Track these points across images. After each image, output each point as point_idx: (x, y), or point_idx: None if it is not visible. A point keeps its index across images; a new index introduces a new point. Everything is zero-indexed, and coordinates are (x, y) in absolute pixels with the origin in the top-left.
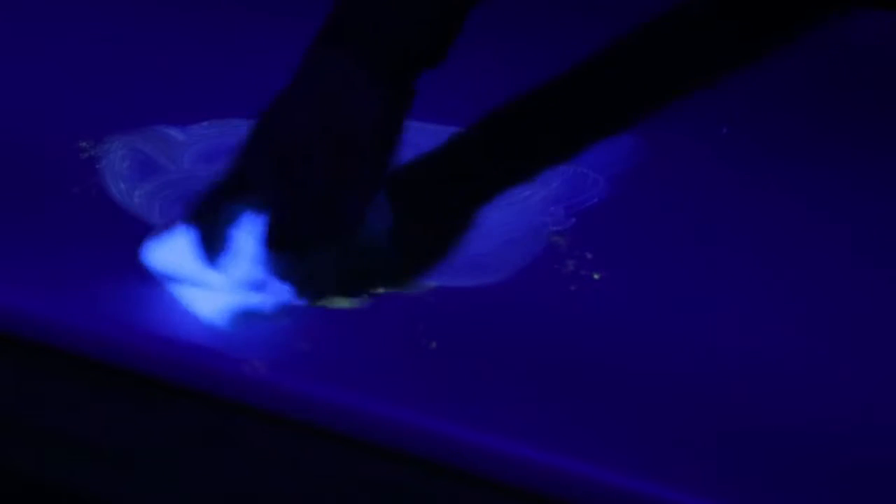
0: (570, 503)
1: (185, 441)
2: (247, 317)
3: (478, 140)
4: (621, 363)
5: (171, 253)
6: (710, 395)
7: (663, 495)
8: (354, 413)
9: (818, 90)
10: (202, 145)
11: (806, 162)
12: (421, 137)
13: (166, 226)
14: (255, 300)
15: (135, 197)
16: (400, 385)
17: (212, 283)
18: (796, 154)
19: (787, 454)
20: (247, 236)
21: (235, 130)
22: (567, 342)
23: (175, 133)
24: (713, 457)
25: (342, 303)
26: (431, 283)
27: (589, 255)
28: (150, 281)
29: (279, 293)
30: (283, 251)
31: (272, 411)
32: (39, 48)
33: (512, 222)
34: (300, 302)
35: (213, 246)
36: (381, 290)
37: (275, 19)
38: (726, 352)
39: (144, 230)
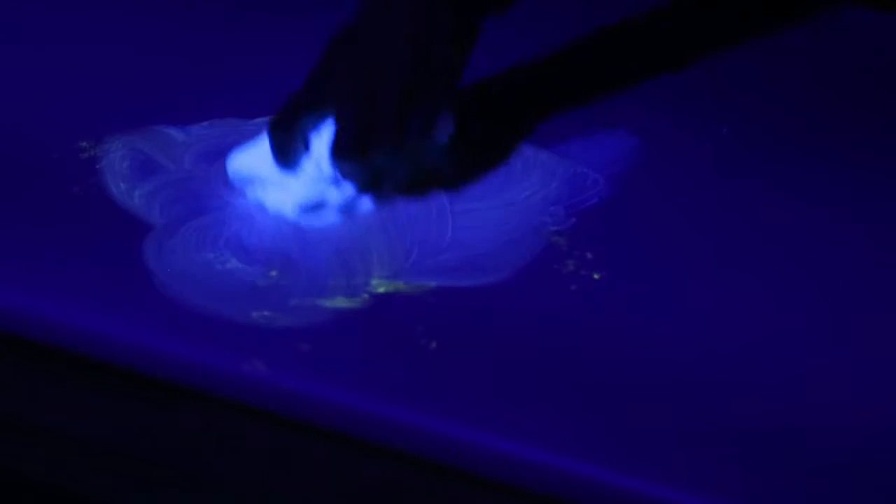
0: (570, 503)
1: (186, 441)
2: (317, 212)
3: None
4: (621, 363)
5: (250, 159)
6: (710, 394)
7: (663, 495)
8: (354, 413)
9: (818, 90)
10: (202, 145)
11: (806, 162)
12: None
13: (167, 224)
14: (326, 197)
15: (135, 197)
16: (400, 385)
17: (286, 184)
18: (796, 154)
19: (787, 454)
20: (319, 143)
21: (235, 130)
22: (567, 342)
23: (175, 133)
24: (713, 456)
25: (342, 303)
26: (431, 282)
27: (589, 255)
28: (150, 280)
29: (348, 193)
30: (350, 159)
31: (272, 411)
32: (39, 48)
33: (512, 222)
34: (366, 200)
35: (287, 151)
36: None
37: (275, 19)
38: (727, 351)
39: (144, 230)
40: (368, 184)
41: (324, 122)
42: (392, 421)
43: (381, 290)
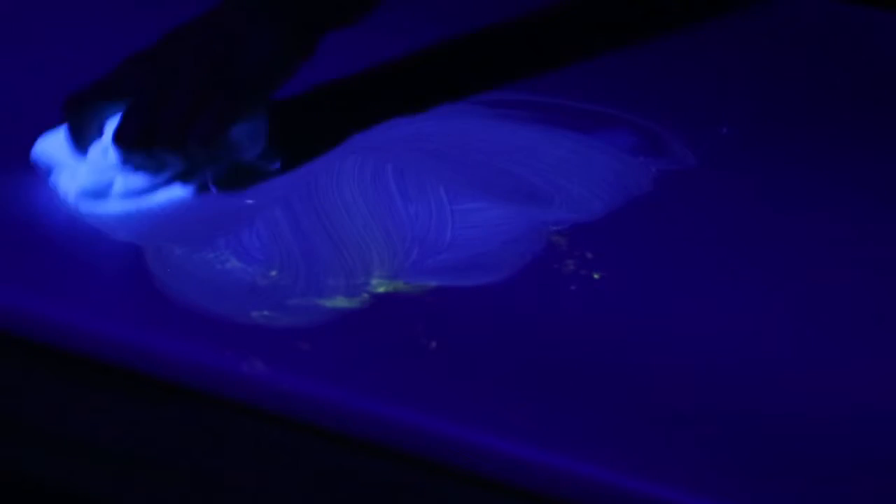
0: (570, 503)
1: (185, 441)
2: (97, 198)
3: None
4: (622, 363)
5: (53, 143)
6: (711, 394)
7: (663, 495)
8: (354, 413)
9: (818, 90)
10: None
11: (805, 162)
12: None
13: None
14: (108, 184)
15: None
16: (400, 385)
17: (76, 169)
18: (796, 154)
19: (786, 453)
20: (108, 130)
21: None
22: (567, 342)
23: None
24: (714, 456)
25: (342, 303)
26: (431, 282)
27: (589, 255)
28: (150, 280)
29: (130, 181)
30: (129, 149)
31: (272, 411)
32: (40, 49)
33: (512, 222)
34: (154, 188)
35: (80, 136)
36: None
37: None
38: (728, 351)
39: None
40: (151, 173)
41: (118, 108)
42: (392, 421)
43: (381, 290)
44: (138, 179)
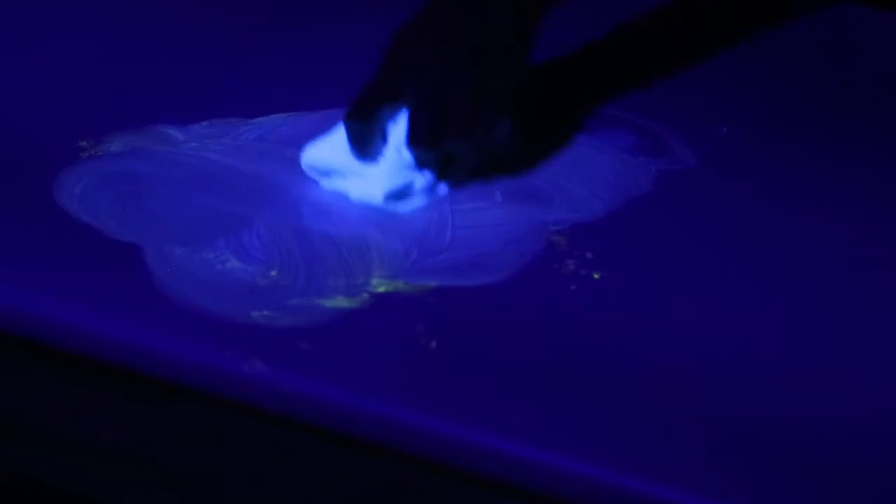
0: (570, 503)
1: (185, 441)
2: (403, 197)
3: None
4: (622, 363)
5: (325, 151)
6: (710, 394)
7: (663, 495)
8: (354, 413)
9: (818, 90)
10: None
11: (805, 162)
12: None
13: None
14: (410, 183)
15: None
16: (400, 385)
17: (367, 174)
18: (796, 154)
19: (786, 454)
20: (396, 133)
21: (235, 130)
22: (567, 342)
23: (175, 133)
24: (714, 456)
25: (342, 303)
26: (431, 282)
27: (589, 255)
28: (150, 280)
29: (427, 178)
30: (425, 148)
31: (272, 411)
32: (40, 48)
33: (512, 222)
34: (441, 185)
35: (365, 142)
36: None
37: (274, 19)
38: (727, 351)
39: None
40: (441, 170)
41: (398, 111)
42: (392, 421)
43: (381, 289)
44: (429, 175)
